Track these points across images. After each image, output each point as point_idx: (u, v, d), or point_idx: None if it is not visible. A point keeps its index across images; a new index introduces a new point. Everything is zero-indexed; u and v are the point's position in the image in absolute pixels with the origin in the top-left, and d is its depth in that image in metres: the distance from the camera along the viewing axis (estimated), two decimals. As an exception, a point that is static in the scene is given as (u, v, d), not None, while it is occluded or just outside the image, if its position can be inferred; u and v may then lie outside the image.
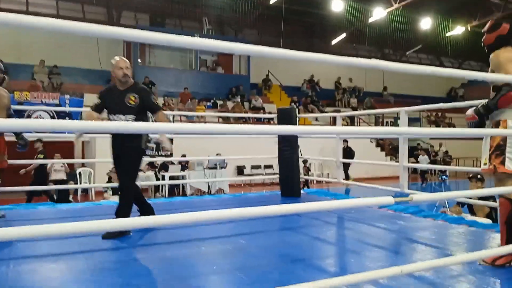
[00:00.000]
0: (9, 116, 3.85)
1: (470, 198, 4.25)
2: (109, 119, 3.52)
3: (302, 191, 5.75)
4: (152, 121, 3.76)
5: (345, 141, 12.37)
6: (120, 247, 3.07)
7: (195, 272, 2.58)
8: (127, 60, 3.54)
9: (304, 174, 11.18)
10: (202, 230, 3.51)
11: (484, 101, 2.70)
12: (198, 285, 2.35)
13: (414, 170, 17.29)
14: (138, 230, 3.43)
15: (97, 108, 3.59)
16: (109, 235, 3.21)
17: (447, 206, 5.46)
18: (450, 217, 4.04)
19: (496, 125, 2.63)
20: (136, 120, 3.40)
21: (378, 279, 2.25)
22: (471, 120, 2.69)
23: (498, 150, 2.58)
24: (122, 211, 3.37)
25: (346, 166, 11.84)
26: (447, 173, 15.04)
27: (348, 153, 11.96)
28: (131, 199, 3.49)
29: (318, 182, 13.51)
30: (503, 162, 2.56)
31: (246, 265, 2.71)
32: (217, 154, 10.78)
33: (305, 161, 11.47)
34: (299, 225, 3.84)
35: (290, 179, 5.62)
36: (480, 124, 2.68)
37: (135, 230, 3.42)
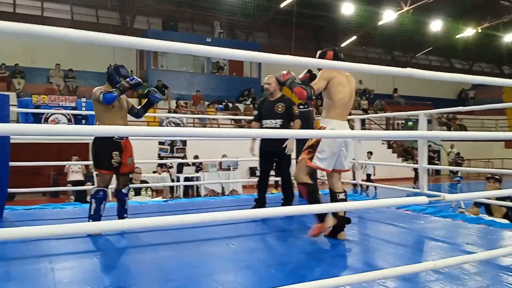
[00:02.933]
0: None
1: (489, 198, 4.35)
2: (261, 124, 4.41)
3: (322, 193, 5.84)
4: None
5: None
6: (149, 243, 3.21)
7: (227, 267, 2.71)
8: (270, 77, 4.40)
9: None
10: (227, 229, 3.63)
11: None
12: (233, 279, 2.47)
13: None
14: (169, 228, 3.56)
15: (257, 118, 4.52)
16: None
17: (464, 207, 5.55)
18: (468, 217, 4.13)
19: (319, 129, 3.27)
20: (282, 123, 4.30)
21: (406, 275, 2.36)
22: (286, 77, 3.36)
23: (311, 148, 3.20)
24: (290, 199, 4.49)
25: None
26: (459, 173, 15.05)
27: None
28: (293, 187, 4.48)
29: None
30: (311, 159, 3.19)
31: (276, 262, 2.84)
32: (223, 156, 10.91)
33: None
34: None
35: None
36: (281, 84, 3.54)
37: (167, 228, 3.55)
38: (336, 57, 3.32)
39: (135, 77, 3.59)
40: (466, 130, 19.42)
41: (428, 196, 2.48)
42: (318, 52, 3.42)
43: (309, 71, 3.40)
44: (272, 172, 4.83)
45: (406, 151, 18.26)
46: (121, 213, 3.72)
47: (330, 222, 3.16)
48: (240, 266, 2.76)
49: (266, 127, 4.37)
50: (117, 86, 3.45)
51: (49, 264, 2.59)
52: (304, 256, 2.99)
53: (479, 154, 18.08)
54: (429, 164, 15.20)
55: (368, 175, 12.65)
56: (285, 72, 3.41)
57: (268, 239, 3.52)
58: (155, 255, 2.98)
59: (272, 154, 4.43)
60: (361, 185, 10.55)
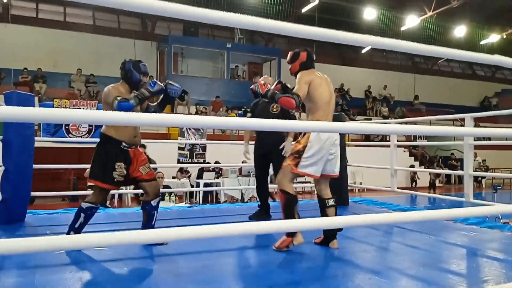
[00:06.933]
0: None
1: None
2: None
3: (350, 200, 5.62)
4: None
5: None
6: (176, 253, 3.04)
7: (272, 280, 2.51)
8: (265, 78, 4.28)
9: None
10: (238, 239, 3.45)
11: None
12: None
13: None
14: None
15: None
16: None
17: (501, 216, 5.25)
18: (517, 229, 3.85)
19: (303, 135, 3.11)
20: None
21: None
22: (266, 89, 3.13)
23: (297, 154, 3.06)
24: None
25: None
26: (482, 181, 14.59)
27: None
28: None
29: (361, 190, 13.35)
30: (296, 165, 3.04)
31: (322, 275, 2.64)
32: (243, 162, 10.69)
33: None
34: (359, 235, 3.72)
35: (338, 187, 5.50)
36: (256, 96, 3.32)
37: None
38: (309, 57, 3.24)
39: (156, 80, 3.16)
40: (490, 139, 18.88)
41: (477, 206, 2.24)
42: (290, 54, 3.31)
43: (279, 82, 3.23)
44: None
45: (428, 159, 17.81)
46: (146, 229, 3.34)
47: (300, 239, 3.09)
48: (287, 279, 2.56)
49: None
50: (136, 94, 2.95)
51: (76, 273, 2.42)
52: (348, 270, 2.77)
53: (504, 164, 17.57)
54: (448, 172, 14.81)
55: None
56: (262, 82, 3.22)
57: (306, 250, 3.28)
58: (182, 264, 2.80)
59: (268, 156, 4.29)
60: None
